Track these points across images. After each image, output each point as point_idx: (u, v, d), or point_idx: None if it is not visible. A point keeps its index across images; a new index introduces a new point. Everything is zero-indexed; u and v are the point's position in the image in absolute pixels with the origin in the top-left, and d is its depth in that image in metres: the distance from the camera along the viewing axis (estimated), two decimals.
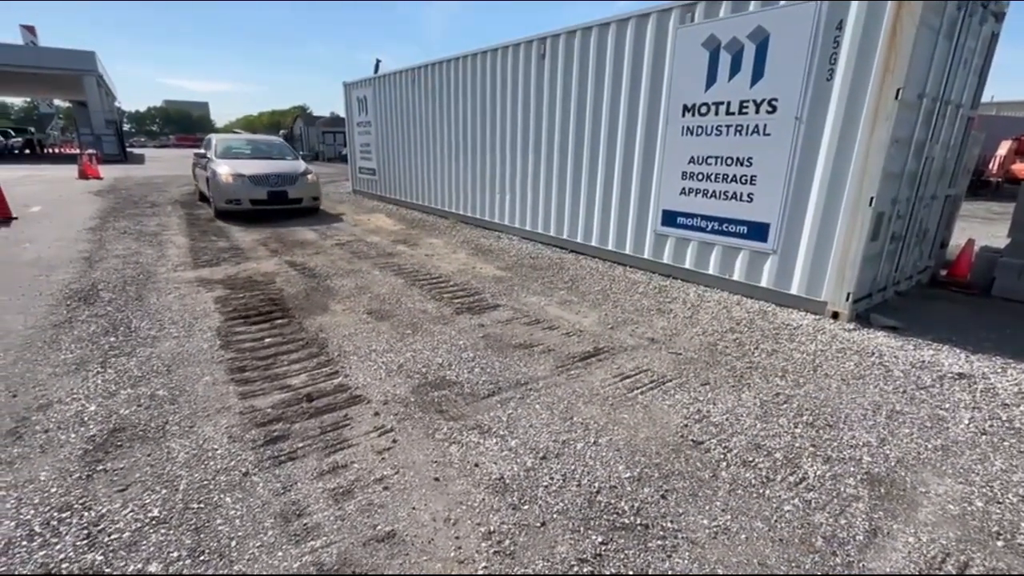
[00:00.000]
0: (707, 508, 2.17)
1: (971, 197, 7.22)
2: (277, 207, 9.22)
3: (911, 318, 4.52)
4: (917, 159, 4.51)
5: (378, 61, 15.92)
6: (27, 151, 28.50)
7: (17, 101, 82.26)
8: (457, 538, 1.98)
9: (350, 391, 3.09)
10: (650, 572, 1.84)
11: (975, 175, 6.24)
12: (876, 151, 4.01)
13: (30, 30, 24.69)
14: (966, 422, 2.90)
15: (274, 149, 10.89)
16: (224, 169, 8.90)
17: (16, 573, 1.63)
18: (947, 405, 3.09)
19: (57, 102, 39.79)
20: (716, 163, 5.13)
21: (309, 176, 9.72)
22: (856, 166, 4.16)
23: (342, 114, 14.67)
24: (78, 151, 22.02)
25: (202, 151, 10.49)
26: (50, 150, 32.25)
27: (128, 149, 30.73)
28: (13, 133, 28.44)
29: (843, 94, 4.16)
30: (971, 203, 10.75)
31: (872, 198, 4.08)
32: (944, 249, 6.07)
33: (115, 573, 1.67)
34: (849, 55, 4.09)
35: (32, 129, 34.31)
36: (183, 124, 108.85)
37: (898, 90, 3.85)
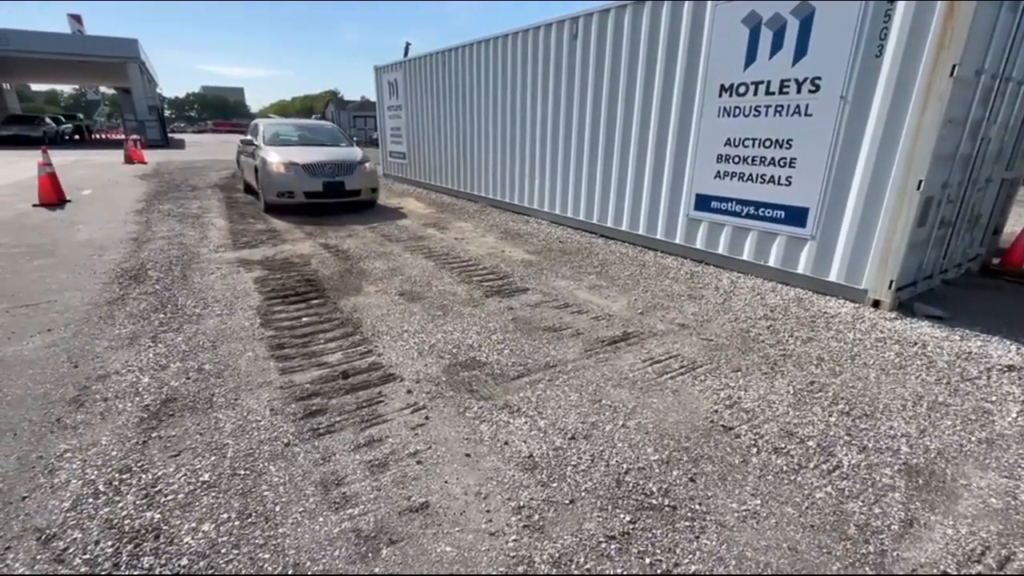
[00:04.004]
0: (736, 492, 2.17)
1: None
2: (333, 200, 8.26)
3: (958, 308, 4.33)
4: (972, 140, 4.27)
5: (408, 44, 15.92)
6: (76, 137, 29.83)
7: (66, 89, 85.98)
8: (488, 511, 2.04)
9: (384, 369, 3.19)
10: (677, 549, 1.87)
11: None
12: (927, 132, 3.81)
13: (77, 19, 25.65)
14: (1014, 415, 2.79)
15: (326, 134, 9.92)
16: (275, 158, 7.95)
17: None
18: (994, 398, 2.97)
19: (103, 89, 41.36)
20: (753, 145, 4.97)
21: (367, 165, 8.61)
22: (904, 148, 3.97)
23: (373, 98, 14.79)
24: (123, 137, 22.93)
25: (248, 137, 9.56)
26: (97, 136, 33.68)
27: (169, 134, 31.80)
28: (64, 120, 29.75)
29: (893, 71, 3.96)
30: None
31: (921, 181, 3.90)
32: (998, 236, 5.76)
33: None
34: (901, 30, 3.88)
35: (81, 116, 35.83)
36: (220, 109, 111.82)
37: (953, 67, 3.64)
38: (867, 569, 1.82)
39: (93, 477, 2.18)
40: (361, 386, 2.98)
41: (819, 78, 4.40)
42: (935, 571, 1.82)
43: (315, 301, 4.35)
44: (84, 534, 1.88)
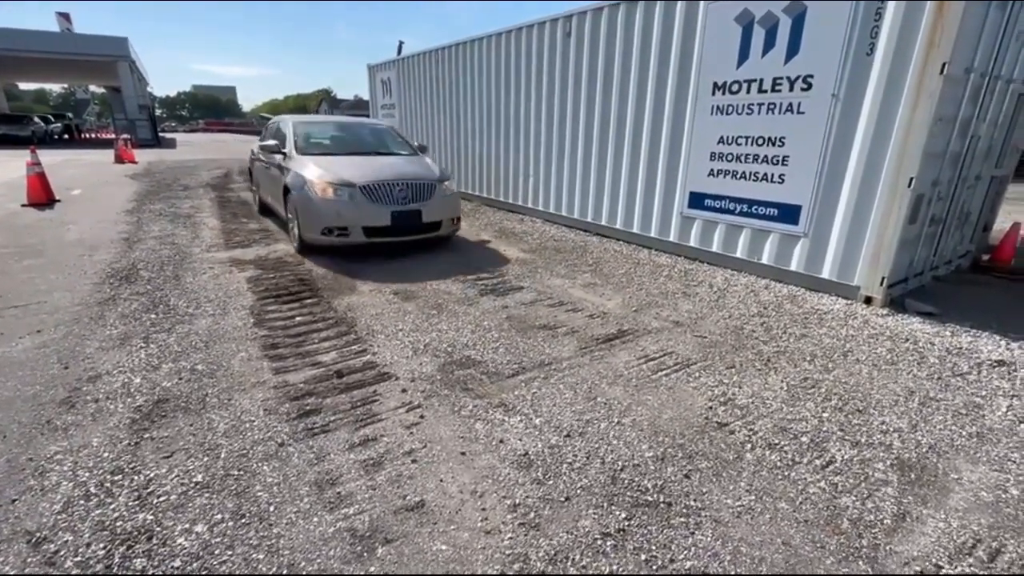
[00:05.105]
0: (731, 488, 2.18)
1: (1020, 179, 6.88)
2: (404, 239, 5.66)
3: (949, 304, 4.37)
4: (962, 138, 4.31)
5: (401, 43, 15.85)
6: (66, 136, 29.47)
7: (55, 88, 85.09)
8: (484, 509, 2.04)
9: (378, 368, 3.17)
10: (672, 546, 1.87)
11: None
12: (917, 130, 3.84)
13: (65, 17, 25.37)
14: (1004, 409, 2.82)
15: (380, 138, 7.02)
16: (316, 174, 5.41)
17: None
18: (984, 392, 3.00)
19: (92, 88, 40.95)
20: (746, 143, 4.99)
21: (448, 184, 6.00)
22: (895, 146, 4.00)
23: (366, 97, 14.72)
24: (113, 136, 22.70)
25: (271, 142, 6.58)
26: (87, 135, 33.30)
27: (160, 134, 31.52)
28: (53, 119, 29.38)
29: (884, 70, 3.99)
30: (1019, 185, 10.20)
31: (911, 179, 3.93)
32: (987, 233, 5.82)
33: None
34: (892, 28, 3.91)
35: (70, 115, 35.41)
36: (212, 109, 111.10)
37: (943, 65, 3.67)
38: (860, 563, 1.83)
39: (84, 479, 2.15)
40: (356, 385, 2.96)
41: (811, 76, 4.42)
42: (928, 564, 1.83)
43: (309, 300, 4.33)
44: (75, 536, 1.86)
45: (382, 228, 5.39)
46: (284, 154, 6.17)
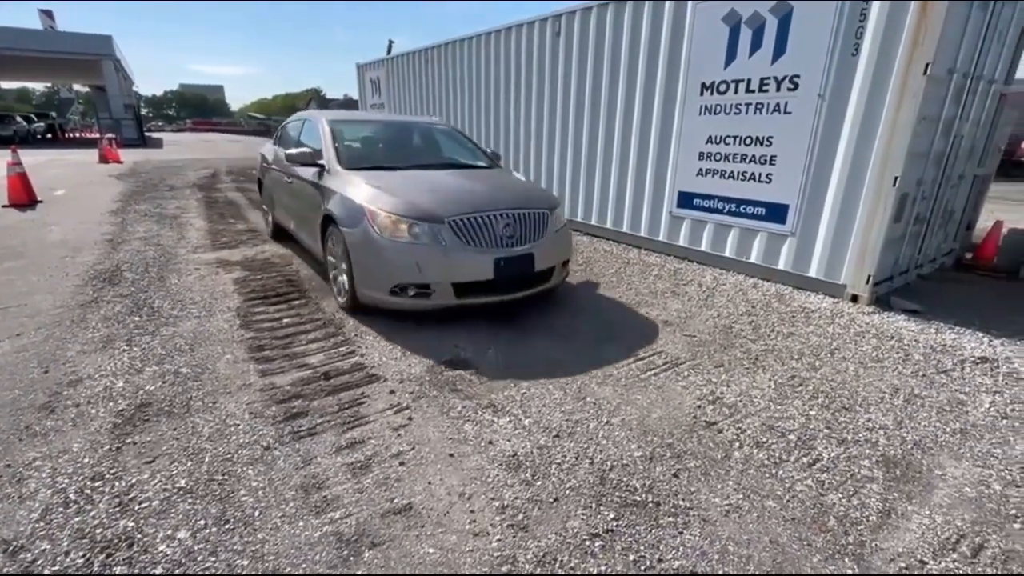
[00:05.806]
0: (719, 487, 2.19)
1: (1001, 178, 7.02)
2: (507, 298, 3.81)
3: (933, 302, 4.43)
4: (945, 138, 4.37)
5: (391, 42, 15.79)
6: (49, 136, 28.99)
7: (38, 87, 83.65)
8: (472, 511, 2.03)
9: (366, 370, 3.15)
10: (660, 545, 1.87)
11: (1006, 155, 6.08)
12: (902, 129, 3.89)
13: (48, 15, 24.96)
14: (987, 406, 2.85)
15: (445, 144, 5.31)
16: (377, 199, 3.69)
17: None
18: (967, 389, 3.04)
19: (76, 87, 40.30)
20: (734, 143, 5.02)
21: (559, 212, 4.19)
22: (880, 145, 4.04)
23: (356, 96, 14.63)
24: (98, 136, 22.36)
25: (298, 150, 4.51)
26: (71, 135, 32.78)
27: (146, 133, 31.10)
28: (36, 118, 28.87)
29: (868, 70, 4.03)
30: (1001, 184, 10.38)
31: (896, 178, 3.97)
32: (970, 231, 5.90)
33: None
34: (876, 28, 3.95)
35: (54, 114, 34.82)
36: (199, 108, 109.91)
37: (927, 65, 3.71)
38: (847, 560, 1.84)
39: (64, 485, 2.11)
40: (343, 387, 2.93)
41: (798, 76, 4.45)
42: (913, 560, 1.85)
43: (296, 302, 4.28)
44: (54, 545, 1.82)
45: (482, 284, 3.64)
46: (321, 167, 4.33)
